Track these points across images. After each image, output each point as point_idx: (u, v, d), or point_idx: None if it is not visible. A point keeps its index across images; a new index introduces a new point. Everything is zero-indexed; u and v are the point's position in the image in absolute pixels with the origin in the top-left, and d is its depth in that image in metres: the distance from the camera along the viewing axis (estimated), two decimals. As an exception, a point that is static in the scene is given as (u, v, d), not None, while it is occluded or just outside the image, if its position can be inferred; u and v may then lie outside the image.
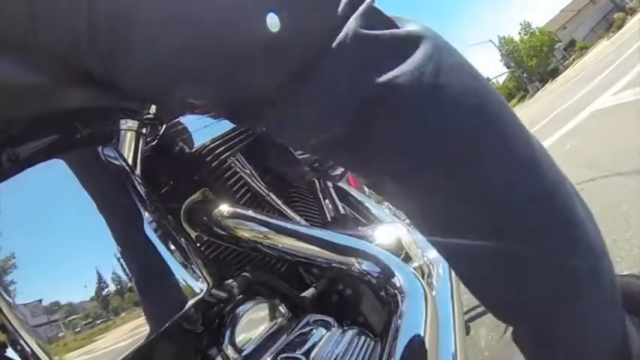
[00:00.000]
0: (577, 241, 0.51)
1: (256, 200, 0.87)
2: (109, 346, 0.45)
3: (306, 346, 0.62)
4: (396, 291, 0.66)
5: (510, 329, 0.60)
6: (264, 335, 0.67)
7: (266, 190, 0.88)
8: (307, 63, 0.44)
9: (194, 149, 0.78)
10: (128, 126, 0.60)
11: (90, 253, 0.47)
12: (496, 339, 1.60)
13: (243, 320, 0.66)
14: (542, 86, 33.76)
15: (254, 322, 0.67)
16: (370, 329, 0.77)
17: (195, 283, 0.52)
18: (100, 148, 0.52)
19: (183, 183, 0.76)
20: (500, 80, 47.58)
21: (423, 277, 0.82)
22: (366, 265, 0.69)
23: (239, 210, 0.74)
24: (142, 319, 0.47)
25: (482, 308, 1.31)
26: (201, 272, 0.54)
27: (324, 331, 0.67)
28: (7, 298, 0.41)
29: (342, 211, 1.15)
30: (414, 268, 0.79)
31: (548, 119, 7.40)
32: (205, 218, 0.73)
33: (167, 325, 0.48)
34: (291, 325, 0.69)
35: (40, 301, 0.43)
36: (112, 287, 0.46)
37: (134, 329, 0.46)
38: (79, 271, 0.46)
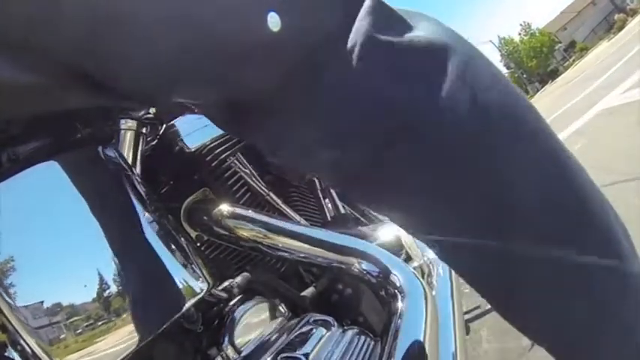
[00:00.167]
0: (609, 248, 0.46)
1: (256, 200, 0.87)
2: (109, 346, 0.45)
3: (306, 346, 0.62)
4: (396, 291, 0.66)
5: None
6: (264, 335, 0.67)
7: (266, 190, 0.88)
8: (312, 69, 0.41)
9: (194, 149, 0.78)
10: (128, 126, 0.60)
11: (90, 253, 0.47)
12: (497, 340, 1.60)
13: (243, 320, 0.66)
14: (542, 87, 33.76)
15: (254, 322, 0.67)
16: (370, 329, 0.77)
17: (195, 283, 0.52)
18: (100, 148, 0.52)
19: (183, 183, 0.76)
20: (501, 81, 47.49)
21: (423, 277, 0.82)
22: (366, 265, 0.69)
23: (239, 210, 0.74)
24: (142, 319, 0.47)
25: (482, 309, 1.31)
26: (201, 272, 0.54)
27: (324, 331, 0.67)
28: (7, 298, 0.41)
29: (342, 210, 1.14)
30: (414, 268, 0.79)
31: (551, 118, 7.30)
32: (205, 218, 0.73)
33: (167, 325, 0.48)
34: (291, 325, 0.69)
35: (40, 301, 0.43)
36: (112, 287, 0.46)
37: (134, 329, 0.46)
38: (79, 271, 0.46)
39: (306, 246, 0.72)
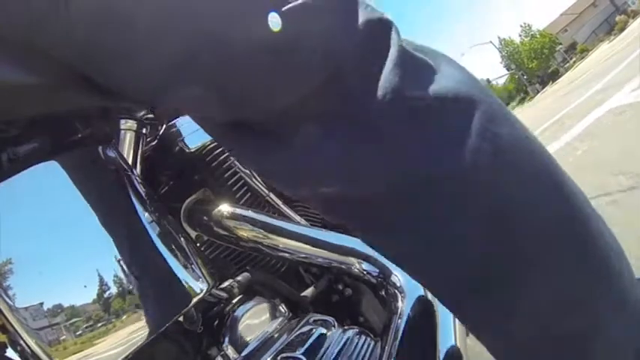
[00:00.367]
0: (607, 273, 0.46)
1: (256, 200, 0.87)
2: (110, 346, 0.45)
3: (306, 346, 0.62)
4: (395, 291, 0.66)
5: None
6: (265, 335, 0.66)
7: (266, 190, 0.88)
8: (327, 101, 0.40)
9: (194, 149, 0.78)
10: (128, 126, 0.60)
11: (90, 253, 0.47)
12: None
13: (243, 320, 0.66)
14: (543, 88, 33.76)
15: (254, 322, 0.67)
16: (370, 329, 0.77)
17: (195, 283, 0.52)
18: (100, 148, 0.52)
19: (183, 183, 0.76)
20: (501, 82, 47.64)
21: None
22: (365, 265, 0.70)
23: (239, 210, 0.74)
24: (143, 319, 0.47)
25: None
26: (201, 272, 0.54)
27: (324, 331, 0.67)
28: (7, 299, 0.41)
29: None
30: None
31: (554, 119, 7.16)
32: (205, 218, 0.73)
33: (167, 325, 0.48)
34: (291, 325, 0.69)
35: (41, 301, 0.43)
36: (112, 288, 0.46)
37: (134, 329, 0.46)
38: (79, 271, 0.46)
39: (306, 246, 0.72)
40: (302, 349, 0.62)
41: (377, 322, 0.81)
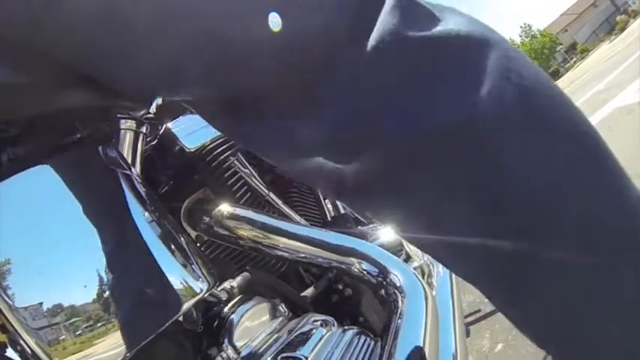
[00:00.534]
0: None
1: (256, 200, 0.87)
2: (109, 346, 0.45)
3: (306, 346, 0.62)
4: (395, 291, 0.66)
5: None
6: (264, 335, 0.66)
7: (266, 190, 0.89)
8: (318, 69, 0.37)
9: (194, 149, 0.78)
10: (128, 126, 0.60)
11: (89, 253, 0.46)
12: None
13: (243, 320, 0.66)
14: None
15: (254, 322, 0.67)
16: (370, 329, 0.77)
17: (195, 283, 0.52)
18: (100, 148, 0.52)
19: (183, 183, 0.76)
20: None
21: (423, 277, 0.82)
22: (366, 265, 0.70)
23: (239, 210, 0.74)
24: (142, 319, 0.47)
25: (483, 312, 1.31)
26: (201, 272, 0.54)
27: (324, 331, 0.67)
28: (7, 299, 0.41)
29: (342, 210, 1.15)
30: (414, 268, 0.79)
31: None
32: (205, 218, 0.73)
33: (167, 325, 0.48)
34: (291, 325, 0.69)
35: (40, 301, 0.43)
36: (111, 288, 0.46)
37: (134, 329, 0.46)
38: (79, 271, 0.46)
39: (306, 246, 0.72)
40: (302, 349, 0.62)
41: (377, 322, 0.81)
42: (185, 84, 0.42)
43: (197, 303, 0.52)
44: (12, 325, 0.41)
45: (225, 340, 0.63)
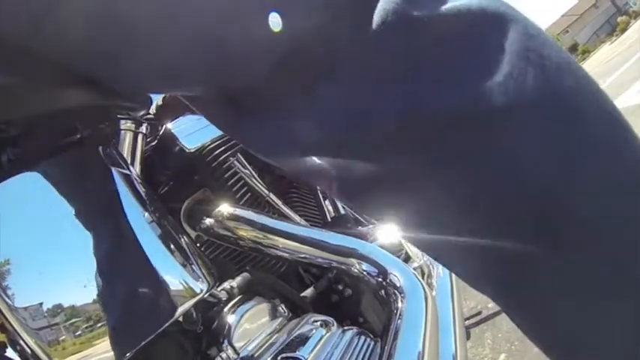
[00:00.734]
0: None
1: (256, 200, 0.87)
2: (109, 346, 0.45)
3: (306, 346, 0.62)
4: (395, 291, 0.66)
5: None
6: (264, 335, 0.66)
7: (266, 190, 0.89)
8: (326, 64, 0.34)
9: (194, 149, 0.78)
10: (128, 126, 0.61)
11: (89, 253, 0.46)
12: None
13: (243, 320, 0.66)
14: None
15: (254, 323, 0.67)
16: (370, 329, 0.77)
17: (195, 283, 0.52)
18: (100, 149, 0.52)
19: (183, 183, 0.77)
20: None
21: (423, 277, 0.82)
22: (365, 265, 0.70)
23: (239, 210, 0.74)
24: (142, 320, 0.47)
25: (483, 314, 1.30)
26: (201, 272, 0.54)
27: (324, 331, 0.67)
28: (7, 299, 0.41)
29: (342, 211, 1.15)
30: (414, 268, 0.79)
31: None
32: (205, 218, 0.74)
33: (167, 325, 0.48)
34: (291, 326, 0.69)
35: (40, 301, 0.43)
36: (111, 288, 0.46)
37: (134, 329, 0.46)
38: (78, 271, 0.46)
39: (306, 247, 0.72)
40: (302, 350, 0.62)
41: (377, 323, 0.81)
42: (185, 83, 0.42)
43: (197, 303, 0.52)
44: (12, 325, 0.41)
45: (225, 341, 0.63)
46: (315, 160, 0.39)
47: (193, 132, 0.79)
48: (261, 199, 0.88)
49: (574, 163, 0.33)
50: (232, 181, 0.83)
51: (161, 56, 0.39)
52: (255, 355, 0.62)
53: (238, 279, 0.69)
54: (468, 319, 1.26)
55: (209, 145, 0.80)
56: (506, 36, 0.32)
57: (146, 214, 0.51)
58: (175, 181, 0.77)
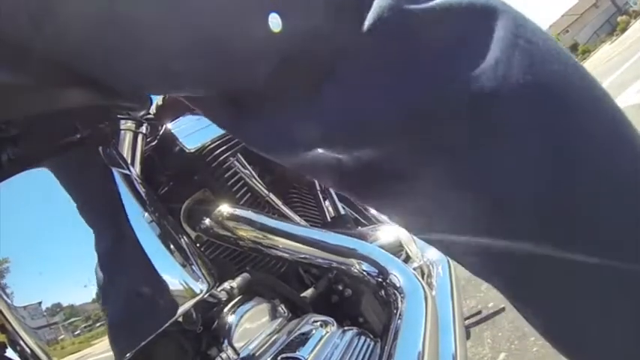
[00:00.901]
0: None
1: (256, 200, 0.87)
2: (109, 346, 0.45)
3: (306, 346, 0.62)
4: (395, 291, 0.66)
5: None
6: (264, 335, 0.66)
7: (266, 191, 0.89)
8: (325, 63, 0.35)
9: (194, 150, 0.78)
10: (128, 126, 0.61)
11: (89, 253, 0.46)
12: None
13: (243, 320, 0.66)
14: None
15: (254, 322, 0.67)
16: (370, 329, 0.77)
17: (195, 283, 0.52)
18: (100, 149, 0.52)
19: (183, 183, 0.77)
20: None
21: (423, 277, 0.82)
22: (365, 266, 0.70)
23: (239, 210, 0.74)
24: (142, 320, 0.47)
25: (483, 314, 1.30)
26: (201, 272, 0.54)
27: (324, 331, 0.67)
28: (6, 299, 0.41)
29: (342, 211, 1.15)
30: (414, 268, 0.79)
31: None
32: (205, 219, 0.74)
33: (167, 325, 0.48)
34: (290, 326, 0.69)
35: (39, 301, 0.43)
36: (111, 287, 0.46)
37: (134, 330, 0.46)
38: (78, 271, 0.46)
39: (305, 247, 0.72)
40: (302, 350, 0.62)
41: (377, 323, 0.81)
42: (185, 83, 0.42)
43: (197, 303, 0.52)
44: (12, 325, 0.41)
45: (225, 341, 0.63)
46: (317, 154, 0.40)
47: (193, 132, 0.79)
48: (261, 199, 0.88)
49: (569, 152, 0.34)
50: (232, 181, 0.83)
51: (161, 57, 0.39)
52: (255, 355, 0.62)
53: (238, 279, 0.69)
54: (467, 318, 1.26)
55: (209, 145, 0.80)
56: (495, 26, 0.34)
57: (146, 214, 0.51)
58: (175, 181, 0.77)
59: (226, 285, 0.67)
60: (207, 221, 0.73)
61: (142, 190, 0.53)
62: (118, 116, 0.60)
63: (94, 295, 0.45)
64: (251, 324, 0.66)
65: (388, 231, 0.91)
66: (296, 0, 0.36)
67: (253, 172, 0.89)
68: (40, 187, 0.47)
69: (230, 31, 0.38)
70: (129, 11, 0.36)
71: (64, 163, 0.48)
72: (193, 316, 0.60)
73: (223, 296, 0.66)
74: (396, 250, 0.87)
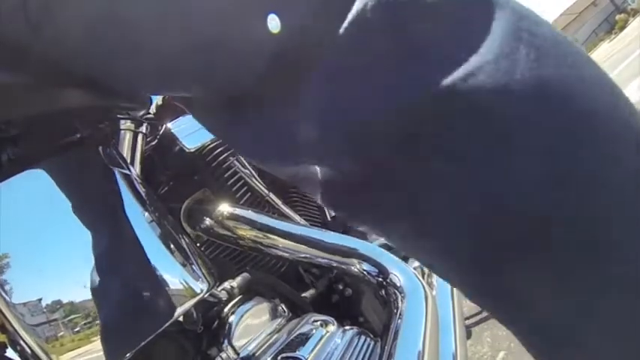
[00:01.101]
0: None
1: (256, 200, 0.87)
2: (109, 345, 0.45)
3: (306, 346, 0.62)
4: (396, 291, 0.66)
5: None
6: (265, 335, 0.67)
7: (266, 190, 0.89)
8: (311, 64, 0.33)
9: (194, 149, 0.78)
10: (128, 126, 0.61)
11: (89, 253, 0.46)
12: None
13: (243, 320, 0.66)
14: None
15: (254, 322, 0.67)
16: (370, 329, 0.77)
17: (195, 283, 0.52)
18: (99, 149, 0.52)
19: (183, 183, 0.77)
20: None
21: (423, 277, 0.82)
22: (366, 265, 0.70)
23: (239, 210, 0.74)
24: (142, 319, 0.47)
25: (485, 314, 1.30)
26: (201, 272, 0.54)
27: (324, 331, 0.67)
28: (7, 299, 0.41)
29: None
30: (414, 268, 0.79)
31: None
32: (205, 218, 0.74)
33: (167, 325, 0.48)
34: (291, 325, 0.69)
35: (40, 301, 0.43)
36: (111, 287, 0.46)
37: (134, 329, 0.46)
38: (78, 271, 0.46)
39: (306, 246, 0.72)
40: (302, 350, 0.62)
41: (377, 322, 0.81)
42: (183, 83, 0.42)
43: (197, 303, 0.52)
44: (12, 326, 0.41)
45: (225, 341, 0.63)
46: (305, 166, 0.38)
47: (193, 132, 0.79)
48: (261, 199, 0.88)
49: (575, 149, 0.31)
50: (232, 181, 0.83)
51: (160, 57, 0.39)
52: (255, 355, 0.62)
53: (238, 279, 0.69)
54: (468, 318, 1.26)
55: (209, 145, 0.80)
56: (495, 17, 0.31)
57: (146, 213, 0.51)
58: (175, 181, 0.77)
59: (226, 285, 0.67)
60: (207, 221, 0.73)
61: (141, 190, 0.53)
62: (118, 116, 0.60)
63: (94, 295, 0.45)
64: (251, 324, 0.67)
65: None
66: (294, 9, 0.35)
67: (253, 172, 0.89)
68: (40, 187, 0.47)
69: (229, 31, 0.38)
70: (127, 12, 0.36)
71: (64, 163, 0.48)
72: (194, 316, 0.60)
73: (223, 296, 0.66)
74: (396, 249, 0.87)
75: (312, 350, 0.62)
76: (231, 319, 0.65)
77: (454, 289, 0.82)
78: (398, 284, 0.66)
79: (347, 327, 0.71)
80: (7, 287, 0.42)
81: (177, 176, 0.77)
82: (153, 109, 0.76)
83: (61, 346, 0.43)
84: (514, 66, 0.29)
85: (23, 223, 0.45)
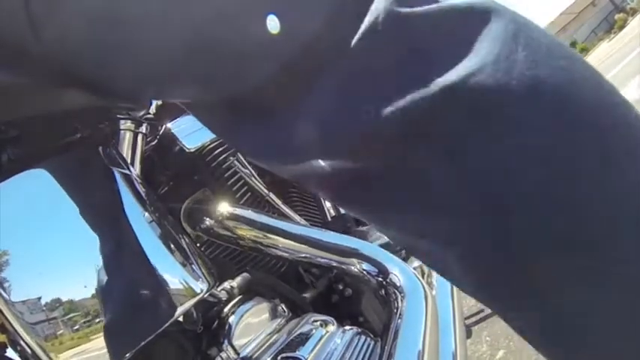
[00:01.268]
0: None
1: (256, 200, 0.87)
2: (109, 346, 0.45)
3: (306, 346, 0.62)
4: (396, 291, 0.66)
5: None
6: (264, 335, 0.67)
7: (266, 190, 0.89)
8: (318, 68, 0.35)
9: (194, 149, 0.78)
10: (128, 126, 0.60)
11: (89, 253, 0.46)
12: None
13: (243, 320, 0.66)
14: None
15: (254, 322, 0.67)
16: (370, 329, 0.77)
17: (195, 283, 0.52)
18: (99, 149, 0.52)
19: (183, 183, 0.77)
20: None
21: (423, 277, 0.82)
22: (366, 265, 0.70)
23: (239, 210, 0.74)
24: (142, 319, 0.47)
25: (484, 313, 1.31)
26: (201, 272, 0.54)
27: (324, 331, 0.67)
28: (8, 299, 0.41)
29: (342, 210, 1.15)
30: (414, 268, 0.79)
31: None
32: (205, 218, 0.74)
33: (167, 325, 0.48)
34: (290, 325, 0.69)
35: (40, 300, 0.43)
36: (111, 288, 0.46)
37: (134, 329, 0.46)
38: (79, 270, 0.46)
39: (306, 246, 0.72)
40: (302, 350, 0.62)
41: (377, 322, 0.81)
42: (181, 86, 0.42)
43: (197, 303, 0.52)
44: (12, 326, 0.41)
45: (225, 341, 0.63)
46: (308, 163, 0.39)
47: (193, 132, 0.79)
48: (261, 199, 0.88)
49: (572, 148, 0.33)
50: (232, 180, 0.83)
51: (159, 58, 0.39)
52: (255, 355, 0.63)
53: (238, 279, 0.69)
54: (467, 318, 1.26)
55: (209, 145, 0.80)
56: (494, 26, 0.33)
57: (146, 214, 0.51)
58: (175, 181, 0.77)
59: (226, 285, 0.67)
60: (207, 221, 0.73)
61: (142, 190, 0.53)
62: (118, 116, 0.60)
63: (94, 295, 0.45)
64: (251, 323, 0.67)
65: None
66: (296, 2, 0.36)
67: (253, 172, 0.89)
68: (40, 187, 0.47)
69: (230, 32, 0.38)
70: (129, 13, 0.36)
71: (64, 163, 0.48)
72: (193, 316, 0.60)
73: (223, 296, 0.66)
74: (397, 249, 0.87)
75: (312, 350, 0.62)
76: (231, 319, 0.65)
77: (454, 288, 0.83)
78: (398, 284, 0.66)
79: (347, 327, 0.71)
80: (7, 287, 0.42)
81: (177, 176, 0.77)
82: (153, 109, 0.76)
83: (61, 345, 0.43)
84: (513, 67, 0.31)
85: (23, 223, 0.45)
